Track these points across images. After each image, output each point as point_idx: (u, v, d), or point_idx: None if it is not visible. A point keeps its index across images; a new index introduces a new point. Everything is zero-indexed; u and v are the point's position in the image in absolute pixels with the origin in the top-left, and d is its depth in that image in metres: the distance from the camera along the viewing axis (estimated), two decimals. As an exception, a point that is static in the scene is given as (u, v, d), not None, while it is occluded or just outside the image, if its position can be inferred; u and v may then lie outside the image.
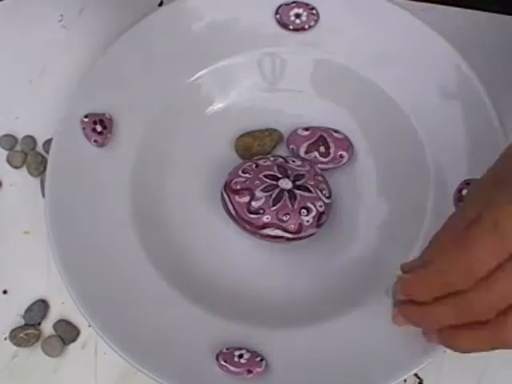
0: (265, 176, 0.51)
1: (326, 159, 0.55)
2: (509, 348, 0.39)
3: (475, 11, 0.60)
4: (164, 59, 0.56)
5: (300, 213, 0.51)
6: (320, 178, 0.52)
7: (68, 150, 0.54)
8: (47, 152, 0.57)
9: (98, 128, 0.53)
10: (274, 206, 0.51)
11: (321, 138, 0.55)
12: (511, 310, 0.38)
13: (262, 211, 0.51)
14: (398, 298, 0.44)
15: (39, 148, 0.58)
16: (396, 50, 0.55)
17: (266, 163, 0.52)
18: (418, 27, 0.55)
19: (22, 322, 0.54)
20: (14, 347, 0.54)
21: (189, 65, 0.56)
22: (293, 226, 0.51)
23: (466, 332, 0.40)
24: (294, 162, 0.53)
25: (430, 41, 0.55)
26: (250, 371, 0.48)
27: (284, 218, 0.51)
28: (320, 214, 0.51)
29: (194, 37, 0.56)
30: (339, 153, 0.55)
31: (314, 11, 0.56)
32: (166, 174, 0.56)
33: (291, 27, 0.56)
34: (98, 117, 0.54)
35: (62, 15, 0.61)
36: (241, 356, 0.48)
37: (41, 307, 0.54)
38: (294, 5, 0.56)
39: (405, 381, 0.52)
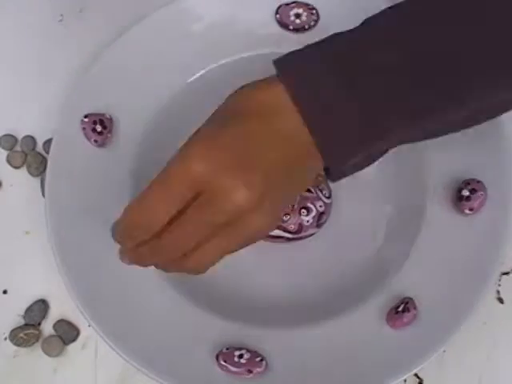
0: (265, 176, 0.51)
1: (326, 159, 0.55)
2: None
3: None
4: (164, 59, 0.56)
5: (300, 213, 0.51)
6: (320, 178, 0.52)
7: (68, 150, 0.54)
8: (47, 152, 0.57)
9: (98, 128, 0.53)
10: (273, 205, 0.50)
11: (321, 138, 0.55)
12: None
13: (262, 211, 0.51)
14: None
15: (39, 148, 0.58)
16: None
17: (266, 163, 0.52)
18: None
19: (22, 322, 0.54)
20: (14, 347, 0.54)
21: (189, 65, 0.56)
22: (293, 225, 0.51)
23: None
24: (294, 161, 0.53)
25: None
26: (250, 371, 0.48)
27: (284, 218, 0.51)
28: (320, 214, 0.51)
29: (194, 37, 0.56)
30: (339, 153, 0.55)
31: (313, 11, 0.56)
32: (165, 174, 0.55)
33: (291, 27, 0.56)
34: (98, 117, 0.54)
35: (62, 15, 0.61)
36: (241, 356, 0.48)
37: (41, 307, 0.54)
38: (293, 5, 0.56)
39: (405, 381, 0.52)
